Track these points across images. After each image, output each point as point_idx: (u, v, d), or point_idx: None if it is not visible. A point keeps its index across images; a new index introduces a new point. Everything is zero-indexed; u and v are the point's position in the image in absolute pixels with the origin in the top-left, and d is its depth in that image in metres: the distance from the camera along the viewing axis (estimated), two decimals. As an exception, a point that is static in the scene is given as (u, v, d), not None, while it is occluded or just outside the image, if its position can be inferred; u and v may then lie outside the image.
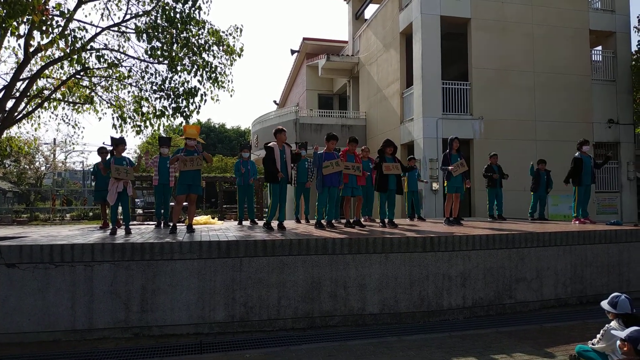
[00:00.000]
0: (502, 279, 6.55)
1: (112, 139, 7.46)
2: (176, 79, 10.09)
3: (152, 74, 10.42)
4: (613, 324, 4.07)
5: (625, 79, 16.99)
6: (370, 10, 22.11)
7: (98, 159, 8.58)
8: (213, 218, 10.46)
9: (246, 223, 9.45)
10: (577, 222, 9.45)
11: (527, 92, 15.63)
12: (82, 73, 10.69)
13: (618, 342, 3.69)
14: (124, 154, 7.40)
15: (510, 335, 5.37)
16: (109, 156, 7.77)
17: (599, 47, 17.88)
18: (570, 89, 16.02)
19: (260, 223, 9.20)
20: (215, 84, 10.13)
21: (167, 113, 10.07)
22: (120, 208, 7.47)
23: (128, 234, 6.81)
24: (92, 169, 8.44)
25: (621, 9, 17.04)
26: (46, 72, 10.67)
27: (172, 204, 8.87)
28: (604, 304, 4.20)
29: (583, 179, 9.47)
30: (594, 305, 6.58)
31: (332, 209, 8.20)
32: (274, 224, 8.15)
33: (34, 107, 11.00)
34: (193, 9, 9.39)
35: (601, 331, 4.11)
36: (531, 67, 15.68)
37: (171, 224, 7.23)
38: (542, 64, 15.77)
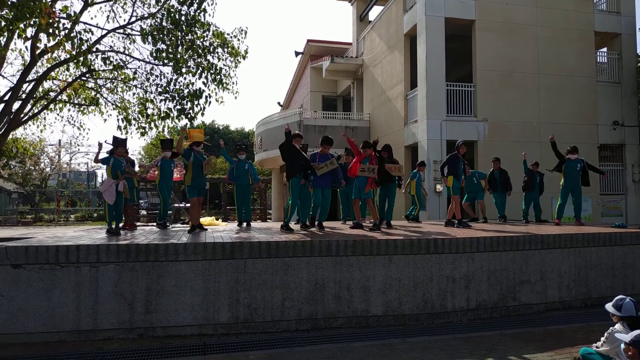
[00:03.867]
0: (506, 281, 6.54)
1: (115, 138, 7.49)
2: (181, 81, 10.16)
3: (157, 76, 10.49)
4: (617, 326, 4.05)
5: (631, 81, 16.90)
6: (374, 12, 22.12)
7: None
8: (217, 219, 10.49)
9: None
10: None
11: (531, 94, 15.58)
12: (87, 75, 10.77)
13: (622, 346, 3.68)
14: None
15: (514, 338, 5.37)
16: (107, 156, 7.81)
17: (604, 49, 17.79)
18: (575, 91, 15.95)
19: (254, 224, 9.21)
20: (220, 86, 10.18)
21: (171, 115, 10.13)
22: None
23: (118, 235, 6.86)
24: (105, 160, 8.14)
25: (627, 11, 16.96)
26: (52, 74, 10.75)
27: (182, 205, 8.89)
28: (609, 306, 4.19)
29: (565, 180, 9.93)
30: (598, 307, 6.55)
31: (325, 210, 8.15)
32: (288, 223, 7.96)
33: (39, 108, 11.09)
34: (198, 11, 9.45)
35: (605, 334, 4.10)
36: (536, 69, 15.64)
37: (181, 226, 7.26)
38: (547, 65, 15.72)
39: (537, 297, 6.72)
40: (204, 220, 9.72)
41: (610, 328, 4.10)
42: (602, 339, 4.12)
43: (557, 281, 6.84)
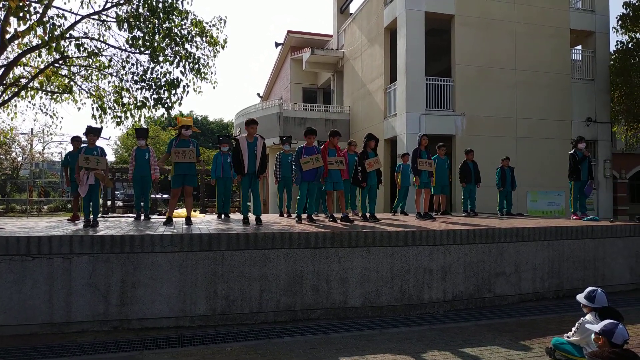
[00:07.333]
0: (482, 273, 6.65)
1: (88, 127, 7.27)
2: (158, 70, 9.96)
3: (133, 64, 10.26)
4: (588, 317, 4.16)
5: (604, 79, 17.32)
6: (355, 5, 22.08)
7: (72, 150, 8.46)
8: (195, 211, 10.37)
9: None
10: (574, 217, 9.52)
11: (508, 89, 15.81)
12: (60, 62, 10.46)
13: (593, 336, 3.78)
14: (97, 144, 7.26)
15: (489, 328, 5.46)
16: (82, 145, 7.65)
17: (579, 47, 18.17)
18: (551, 87, 16.26)
19: (233, 216, 9.22)
20: (198, 76, 10.02)
21: (148, 104, 9.94)
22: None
23: (95, 227, 6.69)
24: (63, 160, 8.20)
25: (601, 10, 17.33)
26: (23, 60, 10.40)
27: (158, 196, 8.75)
28: (580, 297, 4.29)
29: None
30: (570, 299, 6.72)
31: (311, 203, 8.25)
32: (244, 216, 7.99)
33: (10, 95, 10.73)
34: (176, -2, 9.26)
35: (576, 324, 4.20)
36: (513, 65, 15.87)
37: (158, 217, 7.14)
38: (523, 61, 15.97)
39: (512, 289, 6.85)
40: (181, 211, 9.58)
41: (581, 319, 4.21)
42: (573, 329, 4.23)
43: (531, 273, 6.99)
